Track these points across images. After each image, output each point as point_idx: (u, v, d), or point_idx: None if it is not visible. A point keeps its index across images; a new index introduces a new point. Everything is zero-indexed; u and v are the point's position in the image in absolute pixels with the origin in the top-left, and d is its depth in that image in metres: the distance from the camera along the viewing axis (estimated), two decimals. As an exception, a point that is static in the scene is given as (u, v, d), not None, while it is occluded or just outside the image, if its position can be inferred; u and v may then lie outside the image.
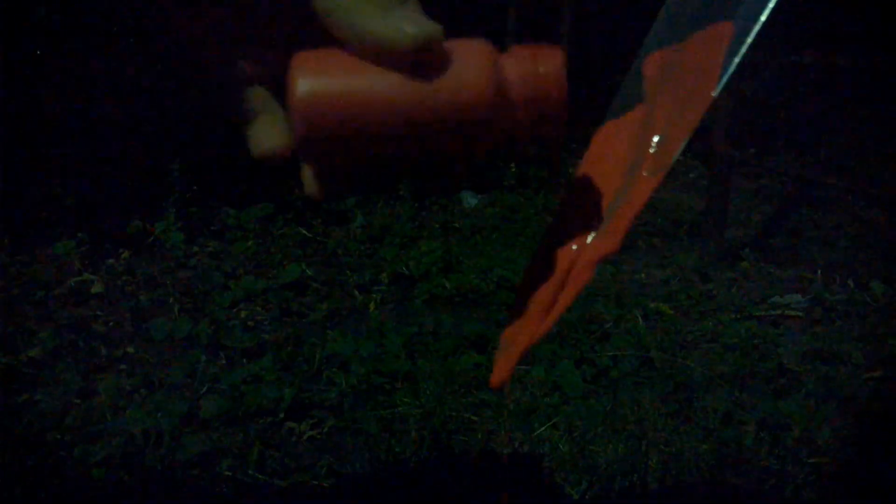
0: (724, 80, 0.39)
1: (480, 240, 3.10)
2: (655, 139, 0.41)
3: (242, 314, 2.25)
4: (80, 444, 1.42)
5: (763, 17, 0.40)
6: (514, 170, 4.05)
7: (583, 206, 0.46)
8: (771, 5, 0.41)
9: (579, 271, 0.45)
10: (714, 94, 0.40)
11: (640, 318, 2.17)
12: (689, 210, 3.21)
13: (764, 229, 3.09)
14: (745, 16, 0.40)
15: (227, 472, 1.37)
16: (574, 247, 0.45)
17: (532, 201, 3.67)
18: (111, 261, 2.69)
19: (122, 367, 1.86)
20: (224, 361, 1.87)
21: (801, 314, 2.20)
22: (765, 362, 1.86)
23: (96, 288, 2.40)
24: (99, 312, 2.22)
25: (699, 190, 3.36)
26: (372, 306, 2.35)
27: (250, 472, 1.40)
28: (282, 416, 1.59)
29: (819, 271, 2.51)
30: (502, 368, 0.48)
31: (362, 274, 2.62)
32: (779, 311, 2.21)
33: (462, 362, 1.85)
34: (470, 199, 3.75)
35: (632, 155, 0.43)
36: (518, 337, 0.48)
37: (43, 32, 2.87)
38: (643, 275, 2.58)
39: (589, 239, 0.45)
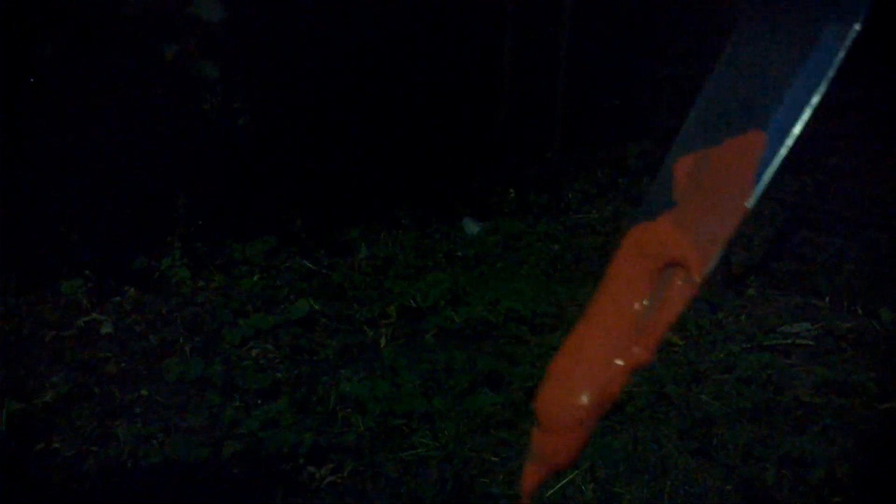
0: (760, 191, 0.40)
1: (486, 269, 3.11)
2: (694, 235, 0.42)
3: (253, 352, 2.25)
4: (105, 489, 1.41)
5: (797, 131, 0.41)
6: (513, 196, 4.07)
7: (616, 313, 0.46)
8: (805, 117, 0.42)
9: (613, 381, 0.46)
10: (749, 205, 0.41)
11: (651, 350, 2.17)
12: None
13: (767, 253, 3.11)
14: (777, 127, 0.41)
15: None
16: (608, 356, 0.45)
17: (534, 228, 3.68)
18: (118, 298, 2.68)
19: (137, 410, 1.85)
20: (239, 403, 1.86)
21: (811, 343, 2.21)
22: (780, 395, 1.86)
23: (105, 328, 2.39)
24: (109, 354, 2.21)
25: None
26: (383, 342, 2.35)
27: (273, 520, 1.40)
28: (302, 460, 1.58)
29: (826, 297, 2.53)
30: (532, 480, 0.48)
31: (370, 307, 2.62)
32: (789, 341, 2.22)
33: (478, 401, 1.85)
34: (472, 227, 3.76)
35: (663, 260, 0.44)
36: (551, 451, 0.48)
37: (48, 71, 2.88)
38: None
39: (621, 350, 0.45)
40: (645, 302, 0.45)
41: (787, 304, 2.54)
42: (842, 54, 0.42)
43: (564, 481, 1.49)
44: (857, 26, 0.42)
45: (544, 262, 3.18)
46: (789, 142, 0.43)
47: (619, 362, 0.44)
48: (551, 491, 1.48)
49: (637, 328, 0.44)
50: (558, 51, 3.93)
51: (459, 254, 3.32)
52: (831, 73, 0.43)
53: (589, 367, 0.46)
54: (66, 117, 3.02)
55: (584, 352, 0.46)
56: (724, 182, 0.42)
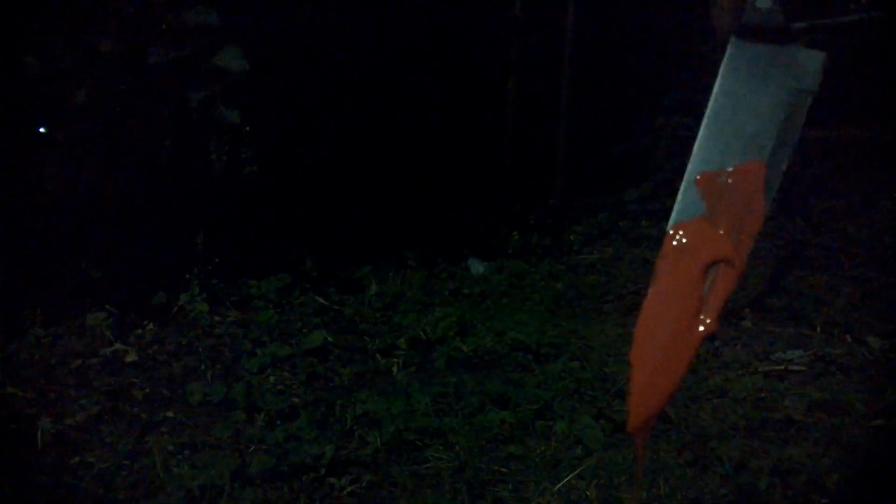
0: (770, 199, 0.62)
1: (491, 305, 3.23)
2: (729, 235, 0.62)
3: (271, 379, 2.36)
4: (141, 499, 1.51)
5: (784, 167, 0.62)
6: (517, 238, 4.22)
7: (679, 291, 0.65)
8: (790, 154, 0.64)
9: (690, 345, 0.64)
10: (767, 210, 0.64)
11: (651, 376, 2.28)
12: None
13: (763, 290, 3.23)
14: (774, 159, 0.63)
15: (279, 522, 1.47)
16: (683, 327, 0.64)
17: (537, 268, 3.81)
18: (139, 331, 2.80)
19: (164, 430, 1.96)
20: (261, 422, 1.96)
21: (803, 368, 2.32)
22: (773, 413, 1.97)
23: (130, 357, 2.50)
24: (135, 379, 2.32)
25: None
26: (395, 369, 2.46)
27: (298, 523, 1.49)
28: (323, 471, 1.68)
29: (818, 328, 2.64)
30: (636, 416, 0.64)
31: (381, 339, 2.73)
32: (782, 367, 2.33)
33: (488, 419, 1.95)
34: (477, 267, 3.89)
35: (710, 254, 0.63)
36: (647, 394, 0.65)
37: (79, 116, 3.06)
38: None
39: (694, 323, 0.64)
40: (704, 286, 0.64)
41: (781, 334, 2.66)
42: (804, 112, 0.65)
43: (569, 476, 1.59)
44: (812, 95, 0.65)
45: (548, 298, 3.30)
46: (783, 169, 0.66)
47: (700, 329, 0.63)
48: (558, 486, 1.58)
49: (702, 308, 0.64)
50: (560, 101, 4.12)
51: (466, 291, 3.44)
52: (799, 129, 0.66)
53: (671, 333, 0.65)
54: (93, 161, 3.18)
55: (662, 323, 0.65)
56: (743, 196, 0.65)
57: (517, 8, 4.60)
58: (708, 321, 0.61)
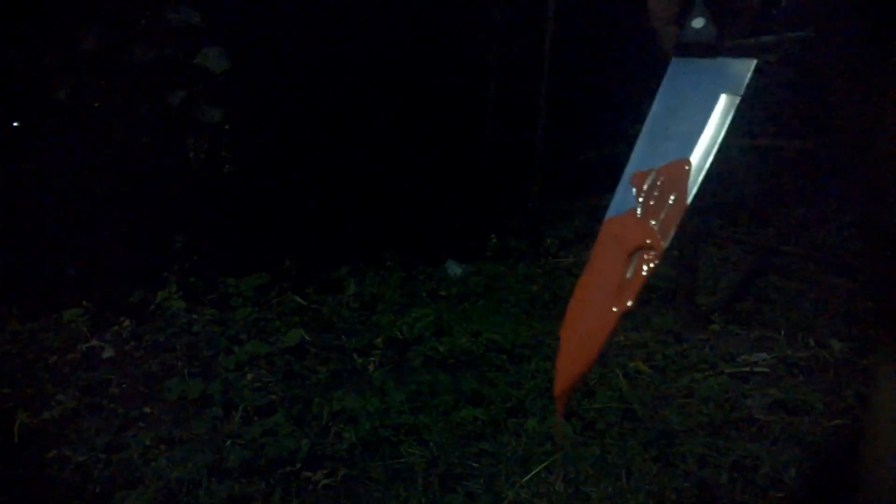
0: (692, 195, 0.68)
1: (468, 306, 3.28)
2: (654, 226, 0.68)
3: (249, 376, 2.38)
4: (119, 490, 1.54)
5: (708, 163, 0.70)
6: (495, 241, 4.28)
7: (607, 277, 0.71)
8: (713, 153, 0.71)
9: (610, 321, 0.70)
10: (688, 202, 0.68)
11: (621, 376, 2.34)
12: (662, 278, 3.43)
13: (731, 295, 3.32)
14: (697, 160, 0.70)
15: (255, 514, 1.50)
16: (606, 305, 0.70)
17: (514, 270, 3.87)
18: (116, 328, 2.81)
19: (142, 424, 1.98)
20: (238, 419, 1.99)
21: (767, 370, 2.39)
22: (736, 412, 2.04)
23: (107, 353, 2.52)
24: (111, 376, 2.34)
25: (671, 260, 3.59)
26: (371, 368, 2.50)
27: (274, 515, 1.53)
28: (299, 465, 1.72)
29: (783, 331, 2.73)
30: (562, 382, 0.70)
31: (359, 339, 2.77)
32: (747, 368, 2.41)
33: (462, 416, 2.00)
34: (455, 269, 3.95)
35: (634, 241, 0.70)
36: (572, 361, 0.71)
37: (60, 112, 3.06)
38: (622, 337, 2.77)
39: (614, 301, 0.70)
40: (626, 271, 0.71)
41: (747, 337, 2.74)
42: (731, 115, 0.74)
43: (538, 469, 1.64)
44: (739, 98, 0.73)
45: (523, 300, 3.36)
46: (705, 167, 0.74)
47: (615, 309, 0.69)
48: (526, 478, 1.63)
49: (622, 287, 0.70)
50: (538, 107, 4.19)
51: (443, 293, 3.49)
52: (725, 128, 0.74)
53: (594, 312, 0.71)
54: (72, 157, 3.19)
55: (588, 302, 0.72)
56: (670, 191, 0.72)
57: (497, 17, 4.66)
58: (627, 302, 0.69)
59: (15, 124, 3.26)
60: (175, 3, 3.16)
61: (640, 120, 0.81)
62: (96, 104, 3.07)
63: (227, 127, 3.71)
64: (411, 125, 4.67)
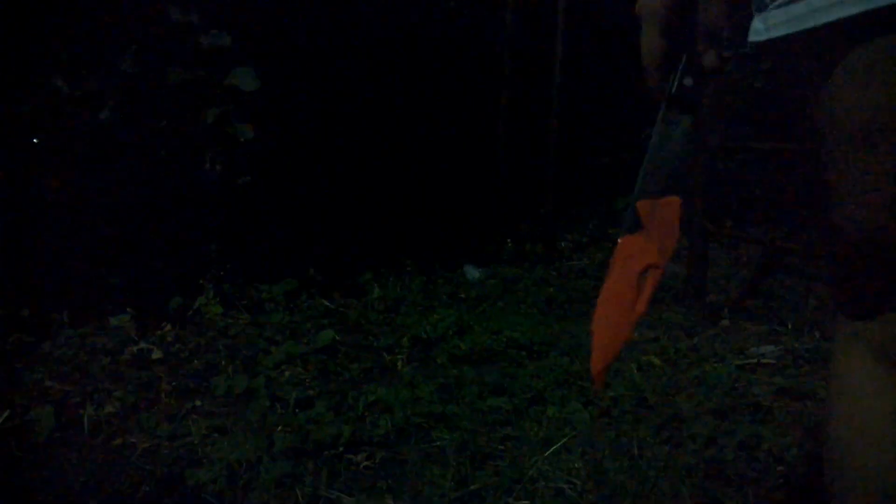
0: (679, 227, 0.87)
1: (487, 308, 3.45)
2: (657, 248, 0.87)
3: (287, 374, 2.56)
4: (187, 469, 1.72)
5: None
6: (511, 246, 4.44)
7: (624, 290, 0.89)
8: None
9: (631, 321, 0.88)
10: (676, 238, 0.89)
11: (634, 369, 2.50)
12: (673, 277, 3.58)
13: (741, 292, 3.46)
14: (684, 195, 0.89)
15: (308, 488, 1.68)
16: (625, 309, 0.88)
17: (530, 274, 4.03)
18: (160, 332, 3.00)
19: (195, 416, 2.17)
20: (282, 410, 2.17)
21: (774, 361, 2.54)
22: (743, 399, 2.19)
23: (156, 354, 2.71)
24: (162, 374, 2.53)
25: (682, 259, 3.75)
26: (400, 364, 2.68)
27: (322, 492, 1.71)
28: (341, 449, 1.90)
29: (790, 326, 2.87)
30: (597, 366, 0.88)
31: (385, 338, 2.95)
32: (755, 360, 2.56)
33: (487, 405, 2.17)
34: (473, 273, 4.12)
35: (644, 261, 0.87)
36: (605, 349, 0.89)
37: (102, 130, 3.27)
38: (636, 334, 2.93)
39: (631, 307, 0.88)
40: (638, 284, 0.91)
41: (756, 331, 2.89)
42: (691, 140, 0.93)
43: (556, 446, 1.80)
44: (691, 119, 0.91)
45: (540, 302, 3.53)
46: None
47: (631, 313, 0.87)
48: (547, 453, 1.80)
49: (636, 297, 0.89)
50: (551, 114, 4.36)
51: (462, 295, 3.66)
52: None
53: (615, 315, 0.90)
54: (117, 174, 3.39)
55: (611, 306, 0.90)
56: (667, 219, 0.91)
57: (509, 25, 4.84)
58: (641, 308, 0.87)
59: (34, 140, 3.46)
60: (207, 27, 3.37)
61: (653, 124, 0.97)
62: (136, 124, 3.28)
63: (258, 143, 3.91)
64: (429, 137, 4.84)
